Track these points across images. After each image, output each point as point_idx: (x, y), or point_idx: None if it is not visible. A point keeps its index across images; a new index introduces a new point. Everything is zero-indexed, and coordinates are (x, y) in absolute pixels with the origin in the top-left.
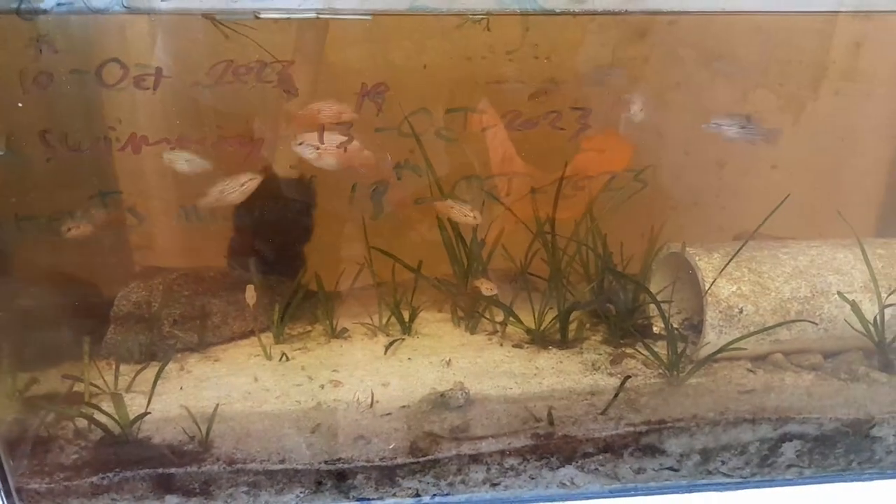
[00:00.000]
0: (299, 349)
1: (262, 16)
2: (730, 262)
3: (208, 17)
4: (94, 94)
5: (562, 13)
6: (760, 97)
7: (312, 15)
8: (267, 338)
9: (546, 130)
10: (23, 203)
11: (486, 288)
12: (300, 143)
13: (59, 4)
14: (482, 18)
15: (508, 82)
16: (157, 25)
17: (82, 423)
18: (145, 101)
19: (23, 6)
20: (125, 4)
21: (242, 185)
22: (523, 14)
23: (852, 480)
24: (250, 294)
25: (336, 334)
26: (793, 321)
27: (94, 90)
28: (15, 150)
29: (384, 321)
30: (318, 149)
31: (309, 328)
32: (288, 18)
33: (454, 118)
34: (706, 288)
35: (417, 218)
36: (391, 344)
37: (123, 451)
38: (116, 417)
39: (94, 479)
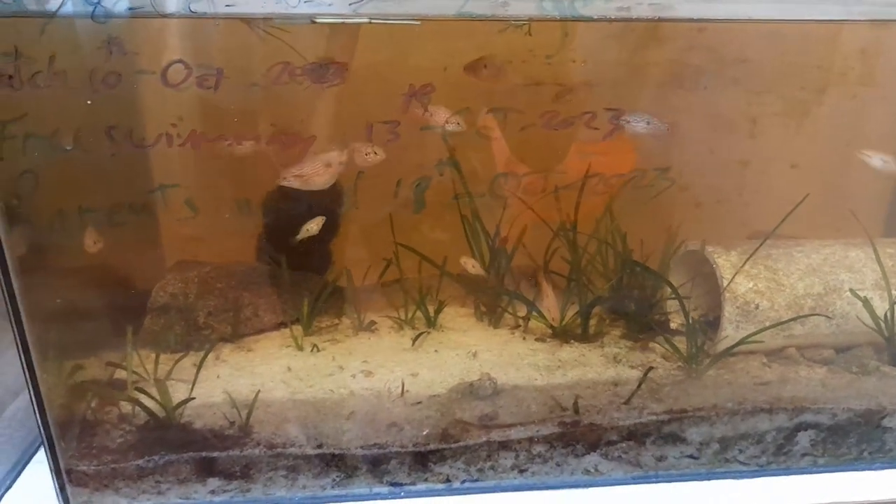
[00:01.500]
0: (329, 341)
1: (318, 20)
2: (747, 261)
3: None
4: (158, 94)
5: (599, 20)
6: (774, 101)
7: (366, 20)
8: (297, 330)
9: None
10: (87, 195)
11: (472, 266)
12: (285, 180)
13: (129, 9)
14: (524, 24)
15: (546, 84)
16: (220, 28)
17: (126, 408)
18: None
19: (96, 10)
20: (191, 8)
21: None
22: (563, 20)
23: (864, 469)
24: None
25: (364, 327)
26: (806, 316)
27: (159, 89)
28: (82, 145)
29: (409, 315)
30: (301, 177)
31: (336, 321)
32: (342, 23)
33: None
34: (724, 284)
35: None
36: (418, 336)
37: (167, 435)
38: (160, 402)
39: (140, 461)
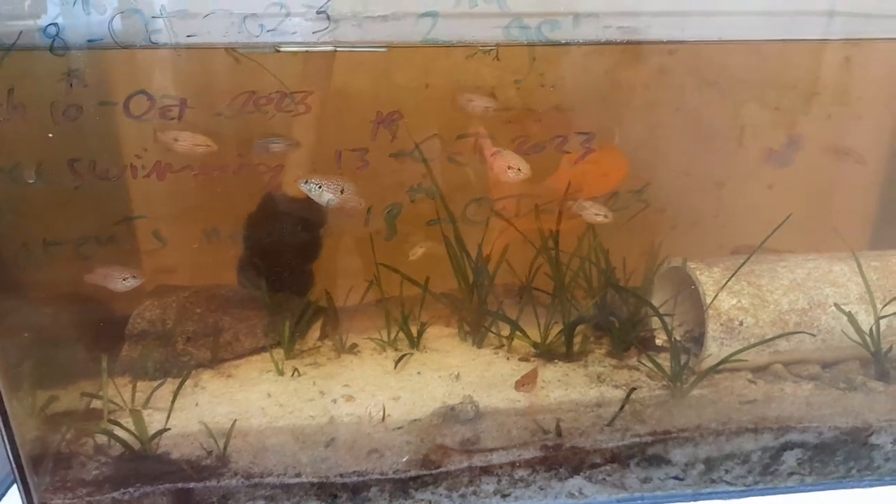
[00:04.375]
0: (310, 364)
1: (282, 49)
2: (731, 277)
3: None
4: (120, 125)
5: (566, 44)
6: (753, 116)
7: (330, 48)
8: (277, 353)
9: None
10: (51, 228)
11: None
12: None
13: (89, 41)
14: (491, 50)
15: (516, 109)
16: (182, 59)
17: (102, 439)
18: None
19: (55, 43)
20: (152, 40)
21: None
22: (530, 45)
23: (852, 487)
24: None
25: (346, 349)
26: (791, 333)
27: (121, 121)
28: (45, 178)
29: (392, 336)
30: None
31: (319, 344)
32: (307, 51)
33: (465, 143)
34: (707, 301)
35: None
36: (400, 359)
37: (143, 466)
38: (136, 433)
39: (115, 494)
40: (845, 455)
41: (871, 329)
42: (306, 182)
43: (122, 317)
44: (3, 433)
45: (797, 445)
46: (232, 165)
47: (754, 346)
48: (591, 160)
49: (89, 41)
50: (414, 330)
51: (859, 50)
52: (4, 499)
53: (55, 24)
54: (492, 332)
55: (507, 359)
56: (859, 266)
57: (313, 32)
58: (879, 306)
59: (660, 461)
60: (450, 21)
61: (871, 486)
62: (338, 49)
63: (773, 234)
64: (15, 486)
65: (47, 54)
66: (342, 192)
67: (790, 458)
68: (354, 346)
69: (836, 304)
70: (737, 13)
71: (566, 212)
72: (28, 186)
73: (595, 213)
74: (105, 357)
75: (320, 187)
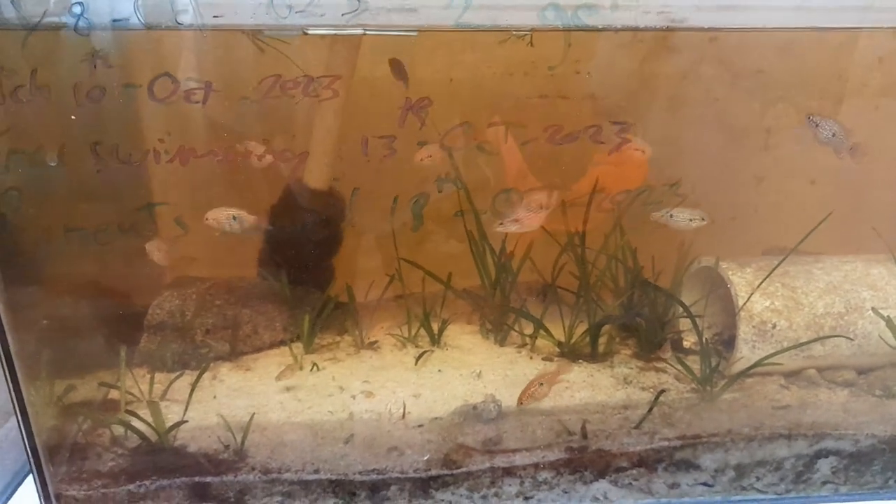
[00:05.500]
0: (329, 359)
1: (309, 32)
2: (765, 279)
3: (248, 33)
4: (144, 108)
5: (604, 29)
6: (790, 113)
7: (360, 31)
8: (297, 348)
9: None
10: (71, 214)
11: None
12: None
13: (114, 21)
14: (525, 35)
15: (550, 97)
16: (208, 41)
17: (119, 430)
18: (194, 115)
19: (79, 22)
20: (178, 21)
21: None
22: (566, 30)
23: (889, 498)
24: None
25: (366, 345)
26: (827, 337)
27: (145, 104)
28: (67, 161)
29: (413, 333)
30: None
31: (338, 338)
32: (334, 35)
33: (494, 132)
34: (740, 303)
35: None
36: (421, 355)
37: (160, 459)
38: (153, 425)
39: (131, 486)
40: (883, 464)
41: None
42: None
43: (141, 307)
44: (20, 422)
45: (832, 453)
46: (256, 152)
47: (788, 349)
48: (613, 161)
49: (114, 21)
50: (435, 327)
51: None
52: (20, 489)
53: (80, 3)
54: (515, 330)
55: (531, 358)
56: None
57: (342, 15)
58: None
59: (688, 466)
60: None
61: None
62: (367, 32)
63: (813, 234)
64: (31, 477)
65: (72, 34)
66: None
67: (824, 467)
68: (374, 342)
69: (873, 309)
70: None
71: (595, 207)
72: (49, 170)
73: (689, 219)
74: (123, 347)
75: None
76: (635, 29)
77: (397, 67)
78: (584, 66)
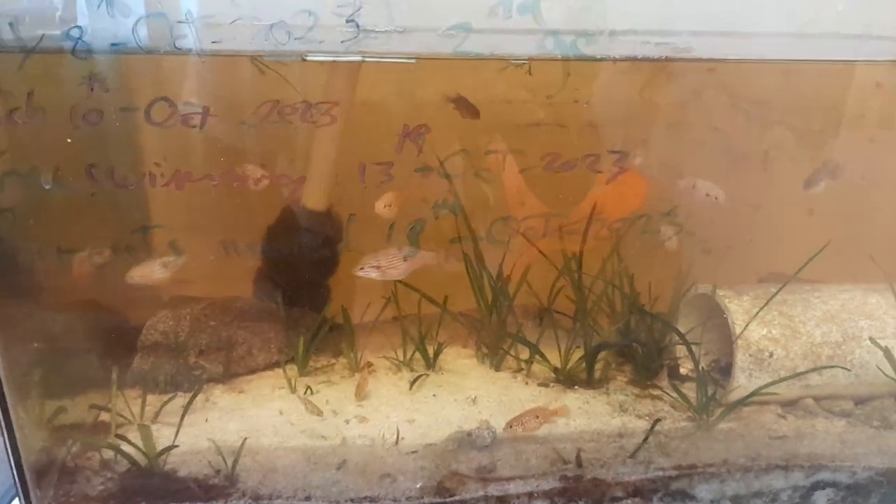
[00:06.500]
0: (324, 382)
1: (308, 58)
2: (763, 307)
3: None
4: (141, 132)
5: (602, 59)
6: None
7: (358, 58)
8: (291, 370)
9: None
10: (66, 235)
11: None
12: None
13: (113, 45)
14: (524, 63)
15: (547, 125)
16: (207, 66)
17: (109, 453)
18: (191, 140)
19: (77, 46)
20: (177, 45)
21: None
22: (564, 59)
23: None
24: None
25: (360, 368)
26: (825, 367)
27: (142, 127)
28: (62, 183)
29: (408, 356)
30: (378, 268)
31: (333, 361)
32: (333, 61)
33: (493, 159)
34: (737, 331)
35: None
36: (416, 380)
37: (149, 483)
38: (143, 449)
39: None
40: (880, 497)
41: None
42: None
43: (135, 327)
44: (7, 444)
45: (829, 485)
46: (253, 176)
47: (785, 379)
48: (611, 185)
49: (113, 45)
50: (430, 350)
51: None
52: None
53: (78, 27)
54: (510, 354)
55: (526, 383)
56: None
57: (341, 42)
58: None
59: (684, 496)
60: (482, 34)
61: None
62: (365, 59)
63: (809, 263)
64: (16, 501)
65: (69, 57)
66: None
67: (821, 499)
68: (369, 364)
69: (870, 338)
70: (774, 34)
71: (592, 235)
72: (44, 192)
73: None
74: (115, 369)
75: None
76: (633, 59)
77: (463, 104)
78: (581, 94)
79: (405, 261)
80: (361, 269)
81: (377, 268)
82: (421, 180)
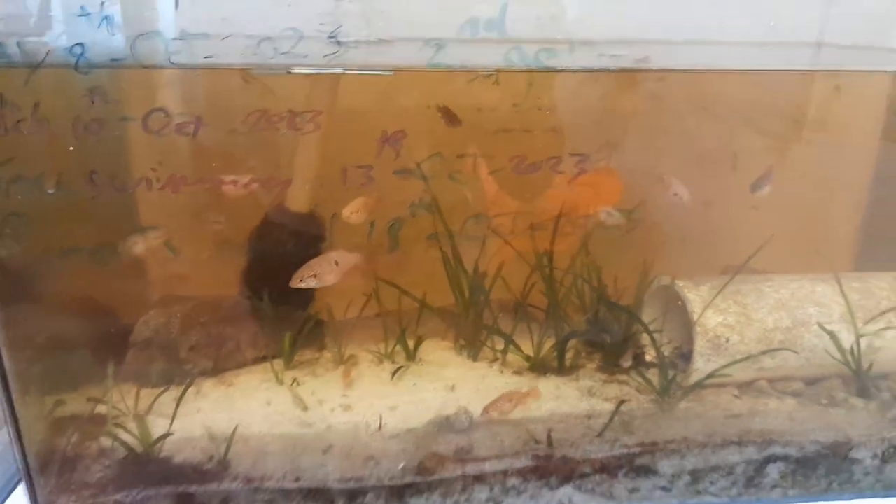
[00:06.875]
0: (309, 375)
1: (293, 71)
2: (717, 295)
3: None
4: (138, 140)
5: (563, 70)
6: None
7: (339, 71)
8: (277, 364)
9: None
10: (68, 236)
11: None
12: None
13: (112, 60)
14: (492, 74)
15: (514, 131)
16: (200, 79)
17: (106, 443)
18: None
19: (79, 61)
20: (171, 60)
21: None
22: (528, 71)
23: (834, 500)
24: None
25: (344, 361)
26: (775, 350)
27: (138, 136)
28: (65, 188)
29: (390, 349)
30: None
31: (318, 355)
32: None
33: (464, 162)
34: (695, 318)
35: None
36: (397, 370)
37: (146, 469)
38: (139, 437)
39: (119, 496)
40: (827, 469)
41: (852, 347)
42: None
43: (127, 325)
44: (13, 434)
45: (780, 459)
46: (243, 179)
47: (739, 361)
48: (587, 181)
49: (112, 60)
50: (411, 343)
51: (844, 80)
52: (11, 497)
53: (80, 44)
54: (487, 346)
55: (501, 372)
56: (840, 287)
57: (324, 56)
58: (860, 326)
59: (647, 472)
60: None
61: (851, 499)
62: (346, 72)
63: (758, 254)
64: (21, 487)
65: (72, 72)
66: None
67: (773, 471)
68: (352, 357)
69: (818, 323)
70: (729, 43)
71: (560, 230)
72: (48, 196)
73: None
74: (111, 364)
75: None
76: (590, 70)
77: (447, 114)
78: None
79: (336, 265)
80: (300, 280)
81: (314, 276)
82: (400, 182)
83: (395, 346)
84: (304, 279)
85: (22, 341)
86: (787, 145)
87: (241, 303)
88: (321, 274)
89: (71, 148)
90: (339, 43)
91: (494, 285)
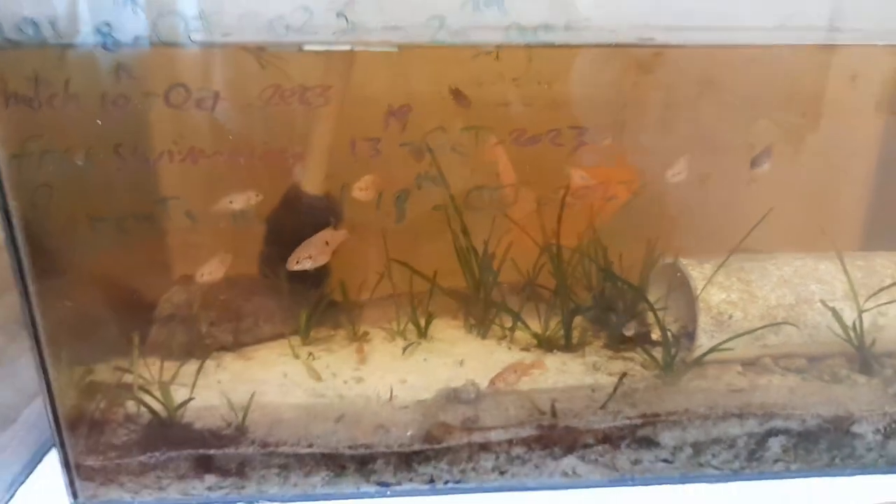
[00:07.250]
0: (324, 350)
1: (305, 48)
2: (717, 271)
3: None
4: (161, 114)
5: (561, 46)
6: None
7: (348, 47)
8: (294, 340)
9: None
10: (96, 206)
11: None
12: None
13: (136, 38)
14: (492, 51)
15: (514, 104)
16: (217, 55)
17: (132, 409)
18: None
19: (106, 40)
20: (192, 38)
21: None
22: (528, 46)
23: (836, 475)
24: None
25: (357, 337)
26: (777, 323)
27: (161, 110)
28: (92, 161)
29: (401, 327)
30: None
31: (332, 332)
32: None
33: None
34: (698, 295)
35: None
36: (408, 346)
37: (169, 433)
38: (164, 403)
39: (143, 457)
40: (829, 443)
41: (854, 324)
42: None
43: (152, 300)
44: (46, 400)
45: (781, 432)
46: (257, 152)
47: (742, 334)
48: (605, 174)
49: (136, 38)
50: (422, 321)
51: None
52: (45, 458)
53: (107, 24)
54: (496, 324)
55: (509, 349)
56: (843, 264)
57: (332, 33)
58: (862, 303)
59: (649, 443)
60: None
61: (853, 474)
62: (354, 48)
63: (757, 230)
64: (54, 449)
65: (100, 50)
66: None
67: (775, 445)
68: (366, 334)
69: (821, 301)
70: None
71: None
72: (77, 168)
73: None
74: (137, 334)
75: None
76: (587, 45)
77: (458, 95)
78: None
79: (327, 244)
80: (297, 262)
81: (309, 258)
82: (406, 156)
83: (406, 323)
84: (300, 261)
85: (54, 311)
86: (805, 130)
87: (259, 280)
88: (315, 255)
89: (98, 122)
90: (347, 20)
91: (503, 265)
